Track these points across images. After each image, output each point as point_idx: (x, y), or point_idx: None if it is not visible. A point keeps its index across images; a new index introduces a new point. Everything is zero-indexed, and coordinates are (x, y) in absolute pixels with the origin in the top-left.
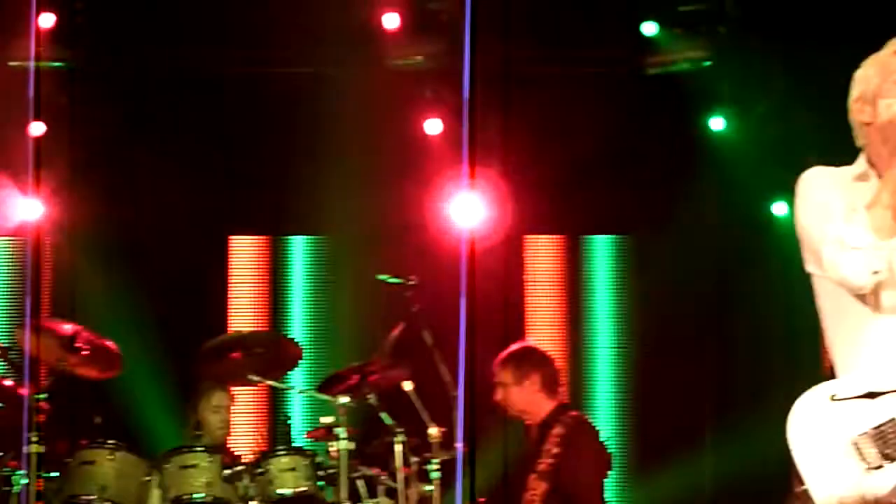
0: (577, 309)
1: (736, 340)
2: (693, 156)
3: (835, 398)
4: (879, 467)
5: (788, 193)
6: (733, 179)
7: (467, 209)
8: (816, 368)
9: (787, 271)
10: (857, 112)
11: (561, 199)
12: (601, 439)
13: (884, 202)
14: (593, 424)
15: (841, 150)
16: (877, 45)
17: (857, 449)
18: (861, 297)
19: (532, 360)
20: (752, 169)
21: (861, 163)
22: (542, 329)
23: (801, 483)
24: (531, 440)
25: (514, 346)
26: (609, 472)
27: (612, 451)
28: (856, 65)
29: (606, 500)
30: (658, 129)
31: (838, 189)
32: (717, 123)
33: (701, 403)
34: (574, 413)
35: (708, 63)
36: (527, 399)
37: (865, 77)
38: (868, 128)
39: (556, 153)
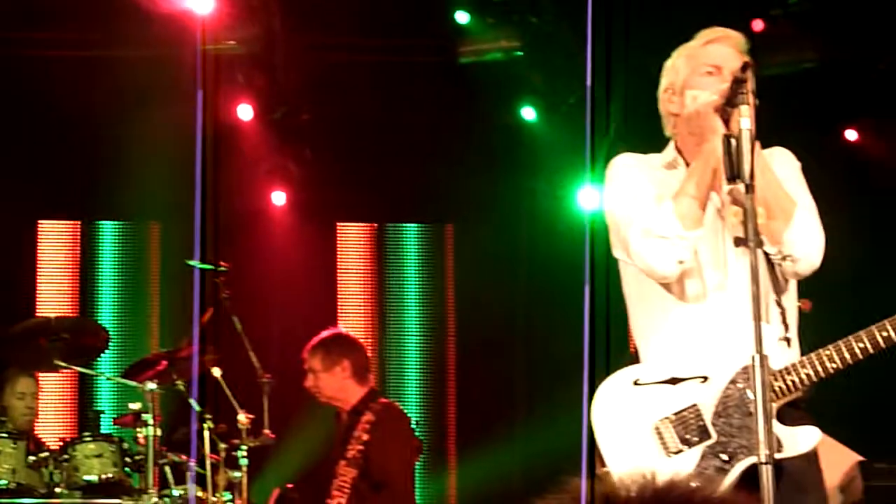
0: (389, 296)
1: (547, 328)
2: (506, 145)
3: (638, 383)
4: (679, 452)
5: (599, 183)
6: (545, 169)
7: (281, 196)
8: (624, 354)
9: (598, 260)
10: (666, 102)
11: (374, 187)
12: (411, 426)
13: (689, 192)
14: (403, 412)
15: (651, 138)
16: (688, 36)
17: (658, 433)
18: (666, 285)
19: (342, 346)
20: (563, 159)
21: (670, 151)
22: (354, 316)
23: (604, 465)
24: (341, 427)
25: (324, 333)
26: (418, 459)
27: (423, 438)
28: (666, 55)
29: (416, 486)
30: (471, 118)
31: (647, 176)
32: (528, 113)
33: (511, 390)
34: (384, 400)
35: (520, 53)
36: (336, 385)
37: (674, 68)
38: (676, 118)
39: (370, 141)
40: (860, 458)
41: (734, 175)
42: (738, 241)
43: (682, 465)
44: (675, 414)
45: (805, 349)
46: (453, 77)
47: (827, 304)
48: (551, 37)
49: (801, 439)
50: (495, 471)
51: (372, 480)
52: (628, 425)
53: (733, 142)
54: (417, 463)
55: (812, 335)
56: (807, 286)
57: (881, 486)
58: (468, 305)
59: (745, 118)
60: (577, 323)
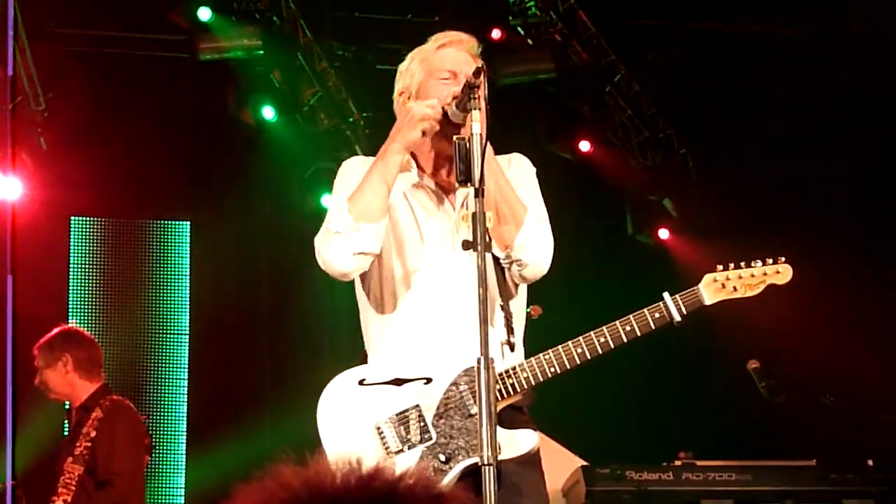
0: (124, 292)
1: (288, 322)
2: (246, 143)
3: (363, 383)
4: (399, 451)
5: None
6: (284, 169)
7: (9, 188)
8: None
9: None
10: (401, 105)
11: (111, 182)
12: (141, 424)
13: (369, 187)
14: (133, 409)
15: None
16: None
17: (380, 433)
18: (393, 286)
19: (65, 341)
20: (302, 159)
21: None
22: (87, 312)
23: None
24: (71, 423)
25: (53, 331)
26: (148, 458)
27: (155, 435)
28: (401, 59)
29: (146, 485)
30: (211, 116)
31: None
32: (268, 112)
33: (247, 388)
34: (115, 397)
35: (261, 52)
36: (61, 381)
37: (409, 71)
38: None
39: (109, 134)
40: (583, 462)
41: (466, 178)
42: (466, 245)
43: (402, 466)
44: (397, 414)
45: (534, 354)
46: (194, 73)
47: (557, 310)
48: (292, 37)
49: (520, 442)
50: (231, 467)
51: (98, 478)
52: (351, 424)
53: (465, 145)
54: (146, 461)
55: (542, 340)
56: (538, 292)
57: (603, 490)
58: (205, 301)
59: (476, 123)
60: (316, 318)
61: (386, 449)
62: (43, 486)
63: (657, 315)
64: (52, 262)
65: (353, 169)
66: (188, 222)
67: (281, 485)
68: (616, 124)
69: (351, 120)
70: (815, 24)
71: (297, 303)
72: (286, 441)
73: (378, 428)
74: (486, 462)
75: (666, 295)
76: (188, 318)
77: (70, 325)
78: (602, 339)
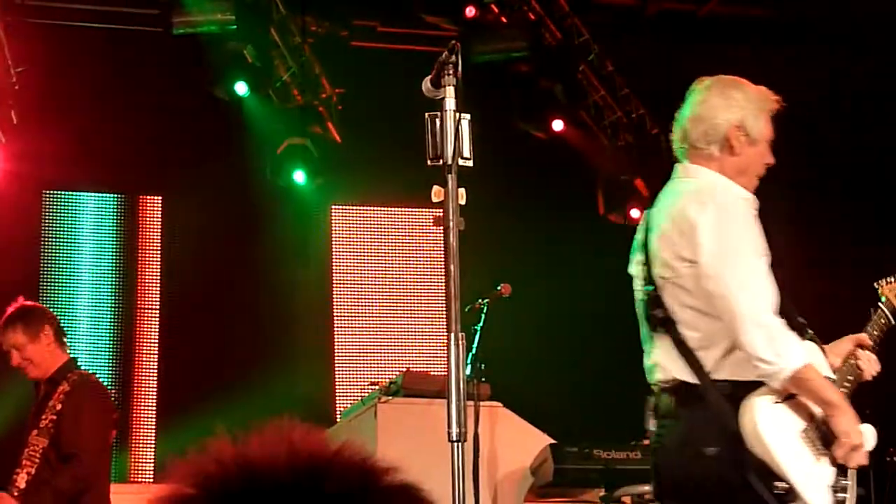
0: (103, 265)
1: (259, 298)
2: (218, 119)
3: (776, 402)
4: (824, 455)
5: (304, 163)
6: (254, 143)
7: None
8: (327, 325)
9: (305, 237)
10: (735, 137)
11: (82, 155)
12: (108, 398)
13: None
14: (100, 383)
15: (358, 120)
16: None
17: (807, 440)
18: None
19: (38, 313)
20: (275, 136)
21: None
22: (61, 285)
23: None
24: (38, 396)
25: (10, 309)
26: (114, 433)
27: (122, 410)
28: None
29: (111, 459)
30: (186, 90)
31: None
32: (241, 88)
33: (218, 362)
34: (81, 371)
35: (234, 27)
36: (44, 353)
37: (755, 115)
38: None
39: (83, 107)
40: (551, 441)
41: (437, 155)
42: None
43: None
44: (809, 423)
45: (499, 331)
46: (168, 48)
47: (528, 287)
48: (264, 12)
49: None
50: (201, 442)
51: (62, 451)
52: (789, 437)
53: (437, 122)
54: (112, 436)
55: (512, 316)
56: (509, 270)
57: (571, 469)
58: (177, 276)
59: (449, 99)
60: (286, 294)
61: (816, 453)
62: (5, 460)
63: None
64: (24, 236)
65: (747, 216)
66: (160, 197)
67: (212, 458)
68: (589, 104)
69: (324, 96)
70: (791, 5)
71: (267, 278)
72: (257, 415)
73: (802, 435)
74: (454, 439)
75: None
76: (159, 292)
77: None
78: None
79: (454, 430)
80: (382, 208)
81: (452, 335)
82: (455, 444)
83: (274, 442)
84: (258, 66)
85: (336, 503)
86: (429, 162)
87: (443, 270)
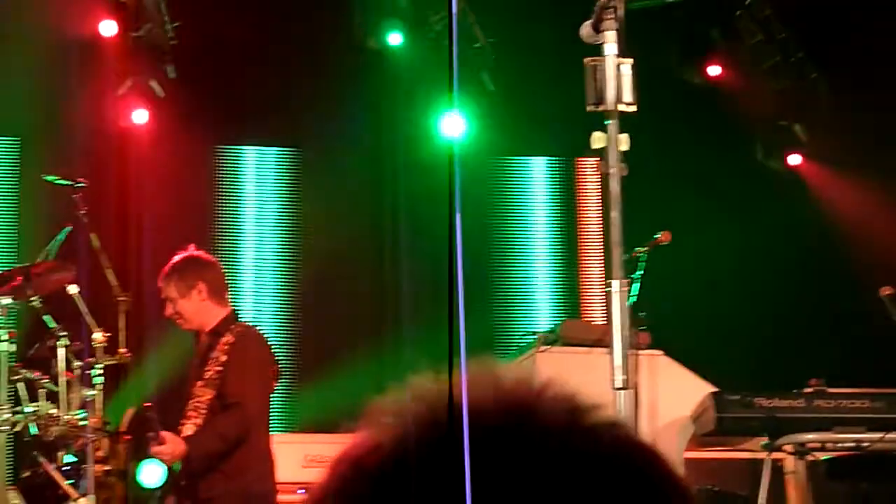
0: (246, 219)
1: (408, 253)
2: (371, 70)
3: None
4: None
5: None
6: (409, 95)
7: (143, 114)
8: (485, 276)
9: (462, 189)
10: None
11: (237, 108)
12: (270, 351)
13: None
14: (262, 335)
15: (515, 68)
16: None
17: None
18: None
19: (195, 268)
20: (428, 86)
21: None
22: (210, 238)
23: None
24: (200, 347)
25: (175, 258)
26: (276, 384)
27: (282, 362)
28: None
29: (271, 410)
30: (337, 42)
31: None
32: (395, 38)
33: (370, 316)
34: (244, 323)
35: None
36: (195, 309)
37: None
38: None
39: (234, 60)
40: (712, 388)
41: (597, 101)
42: None
43: None
44: None
45: (660, 278)
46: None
47: (686, 235)
48: None
49: None
50: (351, 395)
51: (227, 402)
52: None
53: (598, 67)
54: (274, 388)
55: (672, 265)
56: (668, 218)
57: (732, 417)
58: (328, 231)
59: (610, 44)
60: (436, 249)
61: None
62: (171, 410)
63: None
64: (185, 192)
65: None
66: (310, 149)
67: (416, 395)
68: (746, 48)
69: (478, 45)
70: None
71: (418, 233)
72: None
73: None
74: (618, 386)
75: None
76: (301, 244)
77: (192, 250)
78: None
79: (618, 378)
80: (538, 158)
81: (615, 283)
82: (619, 391)
83: (478, 380)
84: (411, 16)
85: (543, 441)
86: (589, 108)
87: (600, 219)
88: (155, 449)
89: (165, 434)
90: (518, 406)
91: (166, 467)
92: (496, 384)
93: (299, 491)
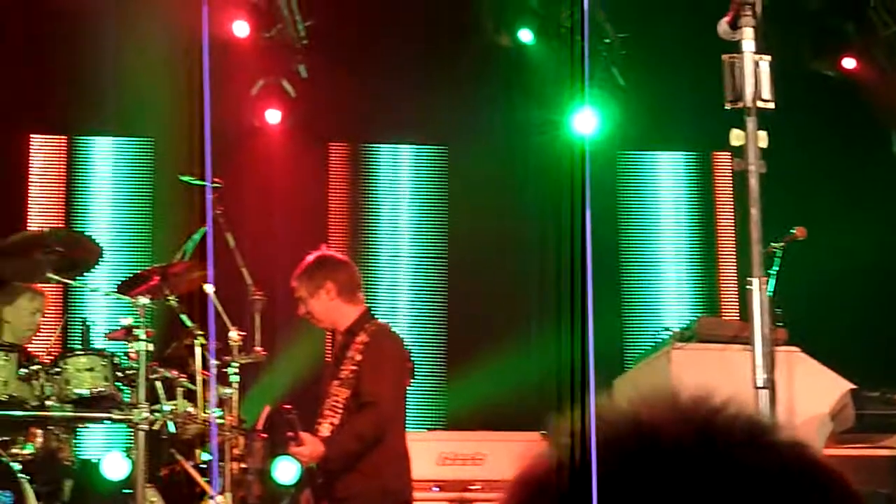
0: (382, 217)
1: (540, 250)
2: (503, 67)
3: None
4: None
5: (594, 107)
6: (541, 92)
7: (275, 113)
8: (615, 273)
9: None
10: None
11: (368, 107)
12: (404, 348)
13: None
14: (396, 334)
15: (643, 65)
16: None
17: None
18: None
19: (324, 269)
20: (558, 83)
21: None
22: (345, 236)
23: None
24: (336, 347)
25: (308, 258)
26: (410, 382)
27: (416, 360)
28: None
29: (406, 409)
30: (469, 39)
31: None
32: (525, 35)
33: (503, 313)
34: (379, 321)
35: None
36: (325, 308)
37: None
38: None
39: (366, 60)
40: (852, 386)
41: (735, 98)
42: None
43: None
44: None
45: (795, 274)
46: None
47: (822, 231)
48: None
49: None
50: (487, 393)
51: (361, 400)
52: None
53: (735, 64)
54: (408, 385)
55: (810, 260)
56: (804, 213)
57: (872, 414)
58: (462, 227)
59: (748, 40)
60: (571, 248)
61: None
62: (307, 409)
63: None
64: (320, 191)
65: None
66: (446, 147)
67: (596, 414)
68: (881, 40)
69: (608, 41)
70: None
71: (552, 226)
72: (545, 364)
73: None
74: (760, 385)
75: None
76: (446, 242)
77: (324, 250)
78: None
79: (760, 376)
80: (669, 153)
81: (755, 280)
82: (761, 390)
83: (662, 404)
84: (542, 13)
85: (725, 458)
86: (727, 105)
87: (732, 215)
88: (294, 450)
89: (304, 435)
90: (698, 423)
91: (301, 465)
92: (675, 400)
93: (434, 489)
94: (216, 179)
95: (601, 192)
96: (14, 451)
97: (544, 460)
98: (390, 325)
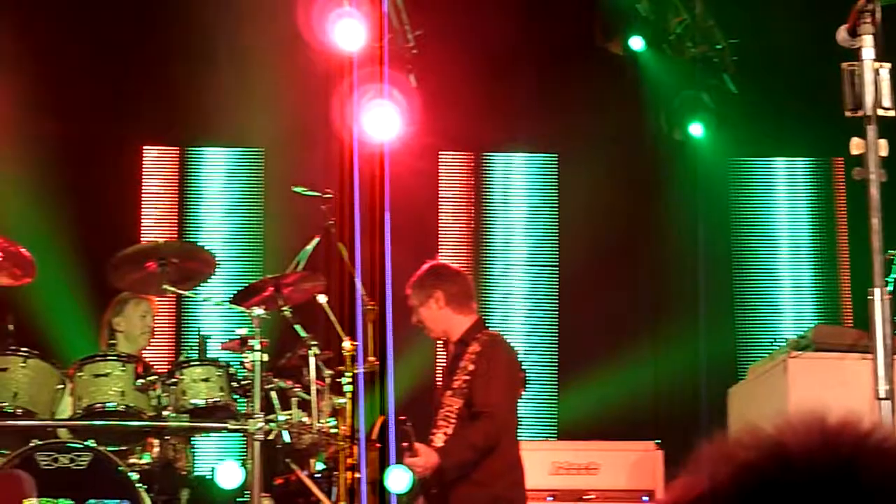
0: (493, 226)
1: (655, 260)
2: (614, 75)
3: None
4: None
5: (700, 115)
6: (652, 99)
7: (384, 123)
8: (727, 281)
9: (704, 193)
10: None
11: (478, 115)
12: (516, 358)
13: None
14: (508, 343)
15: (754, 71)
16: None
17: None
18: None
19: (435, 278)
20: (670, 89)
21: None
22: (457, 246)
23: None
24: (448, 356)
25: (422, 268)
26: (523, 392)
27: (528, 370)
28: None
29: (519, 418)
30: (579, 48)
31: None
32: (636, 43)
33: (617, 322)
34: (491, 331)
35: None
36: (435, 317)
37: None
38: None
39: (478, 68)
40: None
41: (855, 106)
42: None
43: None
44: None
45: None
46: (558, 5)
47: None
48: None
49: None
50: (600, 403)
51: (475, 411)
52: None
53: (855, 72)
54: (521, 395)
55: None
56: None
57: None
58: (574, 233)
59: (867, 48)
60: (687, 247)
61: None
62: (420, 419)
63: None
64: (424, 198)
65: None
66: (556, 154)
67: (737, 442)
68: None
69: (718, 47)
70: None
71: (664, 234)
72: (662, 372)
73: None
74: (881, 396)
75: None
76: (557, 251)
77: (437, 260)
78: None
79: (881, 387)
80: (783, 159)
81: (877, 290)
82: (882, 402)
83: (808, 429)
84: (652, 20)
85: (876, 489)
86: (847, 113)
87: (845, 223)
88: (409, 461)
89: (419, 446)
90: (844, 455)
91: (414, 475)
92: (822, 427)
93: (548, 498)
94: (328, 190)
95: (713, 198)
96: (132, 460)
97: (698, 487)
98: (502, 334)
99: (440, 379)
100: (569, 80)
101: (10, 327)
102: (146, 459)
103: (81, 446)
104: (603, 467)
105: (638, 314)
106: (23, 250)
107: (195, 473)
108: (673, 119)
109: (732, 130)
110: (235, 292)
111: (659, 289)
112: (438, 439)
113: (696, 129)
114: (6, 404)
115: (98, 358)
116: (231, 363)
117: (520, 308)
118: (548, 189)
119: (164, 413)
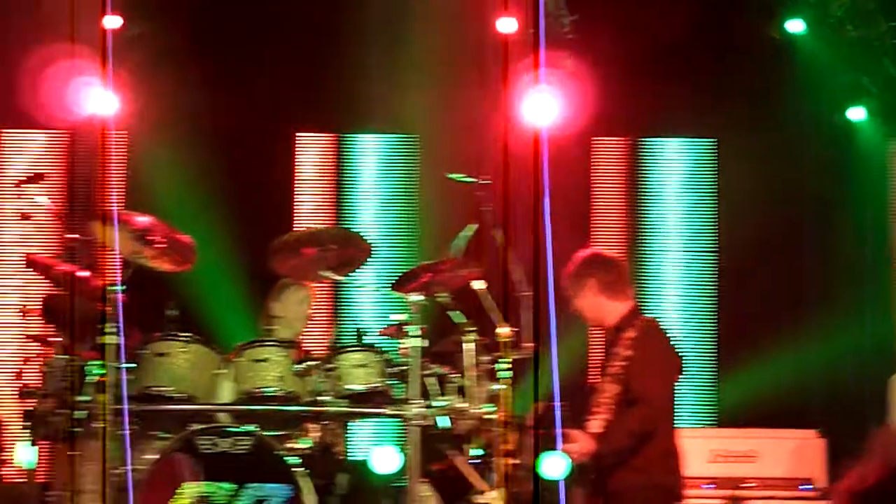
0: (650, 212)
1: (822, 240)
2: (772, 59)
3: None
4: None
5: (865, 98)
6: (812, 82)
7: (540, 109)
8: (886, 271)
9: (864, 177)
10: None
11: (632, 101)
12: (672, 344)
13: None
14: (664, 329)
15: None
16: None
17: None
18: None
19: (589, 265)
20: (829, 73)
21: None
22: (612, 233)
23: None
24: (606, 343)
25: (577, 256)
26: (679, 378)
27: (684, 356)
28: None
29: (675, 405)
30: (736, 31)
31: None
32: (795, 26)
33: (774, 307)
34: (646, 317)
35: None
36: (590, 304)
37: None
38: None
39: (633, 54)
40: None
41: None
42: None
43: None
44: None
45: None
46: None
47: None
48: None
49: None
50: (761, 388)
51: (631, 397)
52: None
53: None
54: (677, 381)
55: None
56: None
57: None
58: (732, 221)
59: None
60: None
61: None
62: (576, 405)
63: None
64: (578, 184)
65: None
66: (715, 140)
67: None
68: None
69: (880, 30)
70: None
71: (826, 219)
72: (819, 361)
73: None
74: None
75: None
76: (716, 236)
77: (591, 247)
78: None
79: None
80: None
81: None
82: None
83: None
84: (812, 2)
85: None
86: None
87: None
88: (565, 447)
89: (576, 433)
90: None
91: (571, 461)
92: None
93: (709, 486)
94: (484, 176)
95: (871, 182)
96: (291, 445)
97: (873, 474)
98: (658, 320)
99: (595, 365)
100: (728, 64)
101: (172, 313)
102: (305, 444)
103: (241, 431)
104: (762, 455)
105: (798, 301)
106: (183, 237)
107: (351, 458)
108: (833, 103)
109: (893, 114)
110: (395, 279)
111: (822, 275)
112: (595, 425)
113: (856, 113)
114: (167, 389)
115: (257, 343)
116: (388, 349)
117: (675, 295)
118: (706, 175)
119: (322, 398)
